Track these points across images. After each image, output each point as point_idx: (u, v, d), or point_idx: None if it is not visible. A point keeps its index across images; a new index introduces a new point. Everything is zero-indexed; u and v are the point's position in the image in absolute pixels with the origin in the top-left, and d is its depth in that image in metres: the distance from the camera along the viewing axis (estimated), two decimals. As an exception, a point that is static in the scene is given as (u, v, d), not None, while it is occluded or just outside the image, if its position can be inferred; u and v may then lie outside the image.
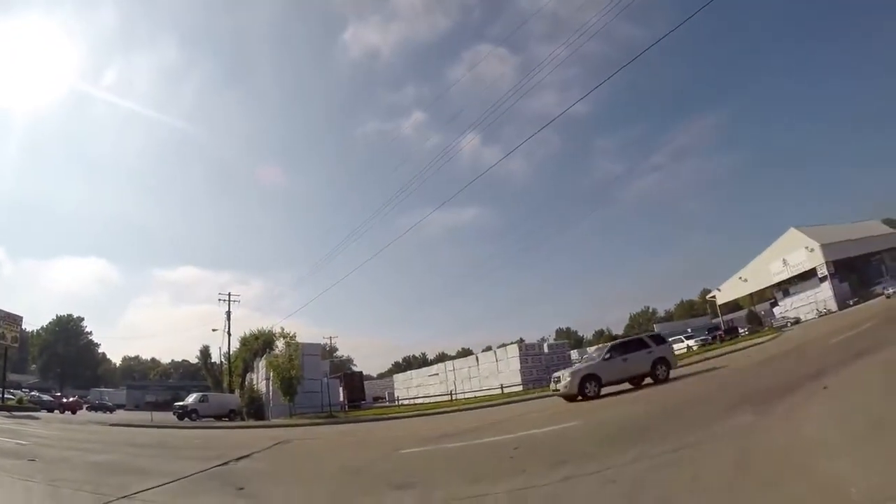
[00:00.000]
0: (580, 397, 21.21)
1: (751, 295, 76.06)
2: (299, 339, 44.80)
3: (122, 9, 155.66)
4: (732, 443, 7.38)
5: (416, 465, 10.58)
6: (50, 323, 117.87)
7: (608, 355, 23.01)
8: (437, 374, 56.76)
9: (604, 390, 21.63)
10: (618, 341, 26.57)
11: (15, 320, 50.53)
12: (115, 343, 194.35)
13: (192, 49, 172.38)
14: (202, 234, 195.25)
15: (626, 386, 22.52)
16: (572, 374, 22.14)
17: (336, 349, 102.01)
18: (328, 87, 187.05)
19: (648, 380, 22.47)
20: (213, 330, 65.49)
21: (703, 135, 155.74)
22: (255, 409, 47.30)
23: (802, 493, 4.95)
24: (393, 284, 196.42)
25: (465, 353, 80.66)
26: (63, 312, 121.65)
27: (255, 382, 52.19)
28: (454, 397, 44.66)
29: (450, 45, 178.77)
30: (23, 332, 63.14)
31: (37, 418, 36.01)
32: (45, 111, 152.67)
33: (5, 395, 46.39)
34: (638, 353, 22.98)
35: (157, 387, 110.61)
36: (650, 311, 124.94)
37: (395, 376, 73.68)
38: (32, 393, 63.86)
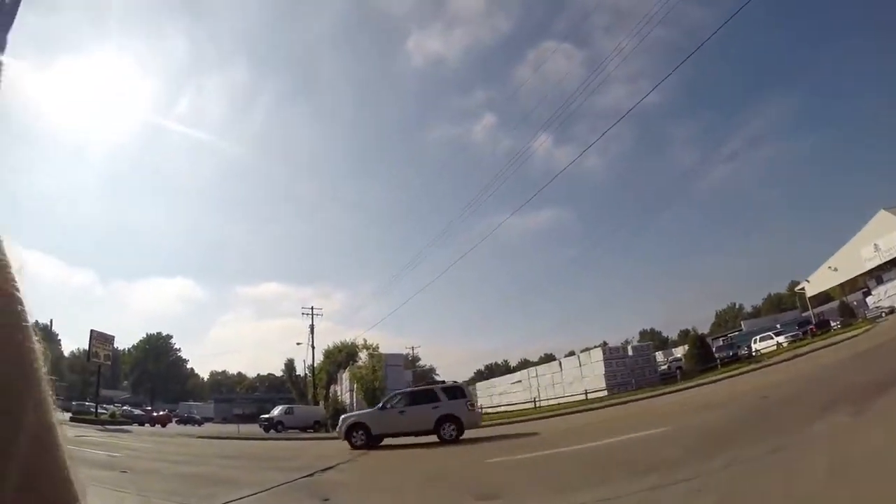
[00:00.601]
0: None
1: (842, 285, 71.99)
2: (382, 350, 45.42)
3: (191, 35, 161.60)
4: (827, 446, 7.03)
5: (500, 474, 10.48)
6: (140, 341, 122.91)
7: (384, 405, 21.98)
8: (520, 381, 56.22)
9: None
10: (407, 389, 24.99)
11: (107, 339, 53.36)
12: (203, 359, 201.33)
13: (259, 68, 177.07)
14: (282, 250, 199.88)
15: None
16: (342, 420, 21.71)
17: (419, 359, 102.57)
18: (396, 96, 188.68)
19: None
20: (298, 343, 67.14)
21: (779, 117, 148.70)
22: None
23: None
24: (473, 291, 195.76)
25: (548, 358, 79.63)
26: (152, 331, 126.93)
27: (339, 394, 52.97)
28: (538, 404, 44.18)
29: (514, 46, 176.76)
30: (115, 350, 66.36)
31: (129, 431, 37.58)
32: (124, 141, 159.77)
33: (99, 410, 48.76)
34: (421, 407, 21.09)
35: (243, 400, 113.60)
36: (737, 307, 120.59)
37: (477, 384, 73.38)
38: (124, 407, 66.48)
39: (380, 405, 22.42)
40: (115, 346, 63.29)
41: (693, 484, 6.45)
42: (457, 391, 22.30)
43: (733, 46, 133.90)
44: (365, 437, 20.78)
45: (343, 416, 22.49)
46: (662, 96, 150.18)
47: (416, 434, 20.85)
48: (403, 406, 21.61)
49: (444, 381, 25.92)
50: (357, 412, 23.99)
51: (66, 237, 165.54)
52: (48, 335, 76.01)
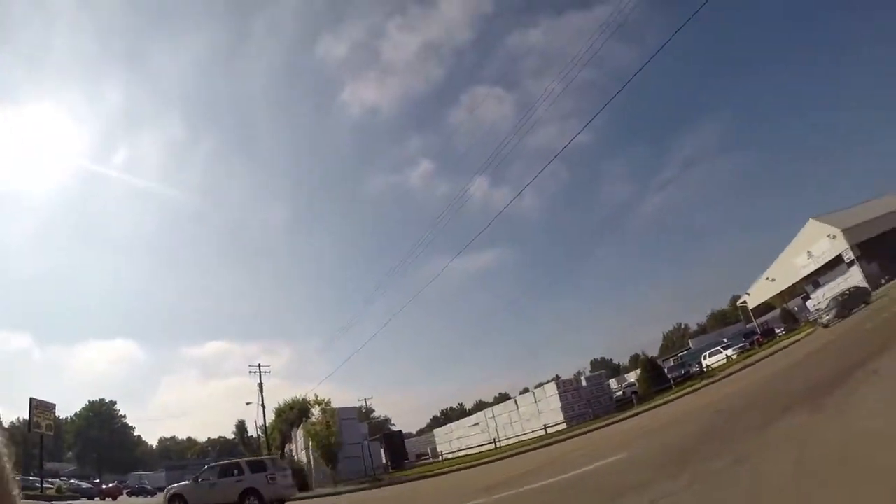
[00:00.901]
0: None
1: (781, 294, 74.52)
2: (334, 405, 44.53)
3: (128, 89, 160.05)
4: (788, 447, 7.08)
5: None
6: (83, 408, 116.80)
7: (197, 478, 22.98)
8: (478, 424, 55.59)
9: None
10: (217, 463, 26.05)
11: (48, 408, 50.31)
12: (150, 424, 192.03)
13: (196, 121, 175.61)
14: (224, 307, 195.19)
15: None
16: (166, 491, 22.72)
17: (373, 410, 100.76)
18: (332, 146, 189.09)
19: None
20: (248, 403, 64.89)
21: (707, 141, 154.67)
22: (297, 480, 46.76)
23: (865, 489, 4.66)
24: (422, 336, 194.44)
25: (503, 398, 79.41)
26: (95, 397, 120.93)
27: (294, 453, 51.71)
28: (498, 445, 43.71)
29: (447, 92, 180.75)
30: (57, 419, 63.14)
31: (78, 507, 35.60)
32: (59, 194, 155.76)
33: (44, 485, 45.84)
34: (227, 480, 22.22)
35: (195, 465, 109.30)
36: (683, 326, 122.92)
37: (435, 431, 72.43)
38: (71, 481, 62.51)
39: (195, 477, 23.40)
40: (57, 414, 60.17)
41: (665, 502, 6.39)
42: (259, 465, 23.23)
43: (658, 78, 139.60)
44: None
45: (167, 488, 23.91)
46: (593, 134, 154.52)
47: None
48: (215, 479, 22.56)
49: (250, 458, 27.38)
50: (178, 484, 24.26)
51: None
52: (-20, 405, 72.08)
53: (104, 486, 60.36)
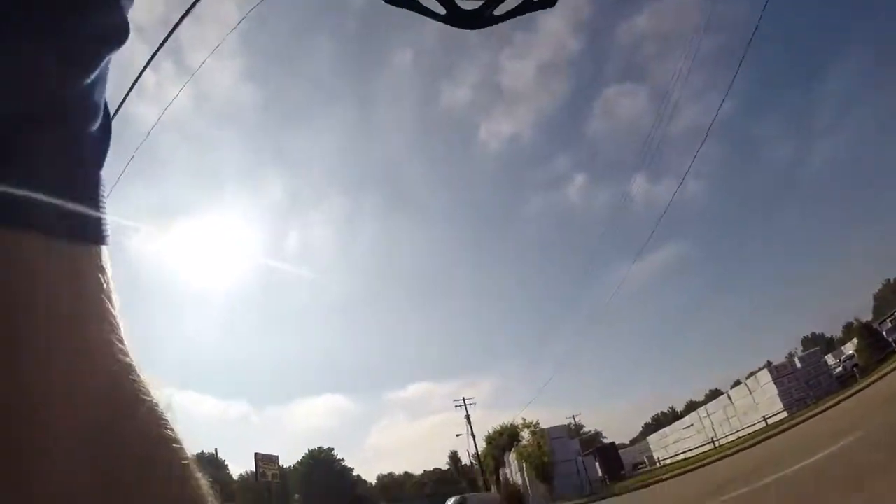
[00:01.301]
0: None
1: None
2: (543, 425, 44.95)
3: (285, 182, 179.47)
4: None
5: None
6: (304, 456, 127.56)
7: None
8: (692, 425, 53.28)
9: None
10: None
11: (272, 459, 55.96)
12: (367, 464, 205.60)
13: (352, 192, 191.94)
14: (419, 351, 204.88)
15: None
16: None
17: (582, 426, 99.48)
18: (482, 182, 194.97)
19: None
20: (457, 435, 67.33)
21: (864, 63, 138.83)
22: (515, 502, 47.09)
23: None
24: (617, 348, 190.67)
25: (715, 394, 75.15)
26: (313, 446, 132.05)
27: (509, 476, 52.29)
28: (717, 444, 41.70)
29: (577, 102, 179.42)
30: (281, 468, 69.06)
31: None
32: (246, 286, 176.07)
33: None
34: None
35: (414, 497, 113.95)
36: (892, 281, 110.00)
37: (648, 438, 70.27)
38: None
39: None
40: (281, 464, 65.89)
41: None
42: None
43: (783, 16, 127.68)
44: None
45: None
46: (735, 101, 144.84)
47: None
48: None
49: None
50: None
51: (213, 376, 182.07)
52: (216, 463, 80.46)
53: None
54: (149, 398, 0.49)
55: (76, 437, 0.42)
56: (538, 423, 44.23)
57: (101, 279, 0.50)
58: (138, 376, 0.41)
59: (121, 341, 0.49)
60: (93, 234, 0.49)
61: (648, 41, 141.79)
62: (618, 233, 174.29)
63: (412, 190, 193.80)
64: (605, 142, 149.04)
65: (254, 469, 55.00)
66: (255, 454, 53.28)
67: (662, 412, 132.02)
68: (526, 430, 44.90)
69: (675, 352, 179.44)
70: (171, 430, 0.51)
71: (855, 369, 40.73)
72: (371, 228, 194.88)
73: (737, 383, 59.16)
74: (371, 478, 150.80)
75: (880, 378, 27.79)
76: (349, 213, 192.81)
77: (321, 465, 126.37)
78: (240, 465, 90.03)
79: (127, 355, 0.41)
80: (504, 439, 53.16)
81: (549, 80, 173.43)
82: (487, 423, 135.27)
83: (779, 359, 60.59)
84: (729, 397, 48.76)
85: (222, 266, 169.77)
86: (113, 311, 0.50)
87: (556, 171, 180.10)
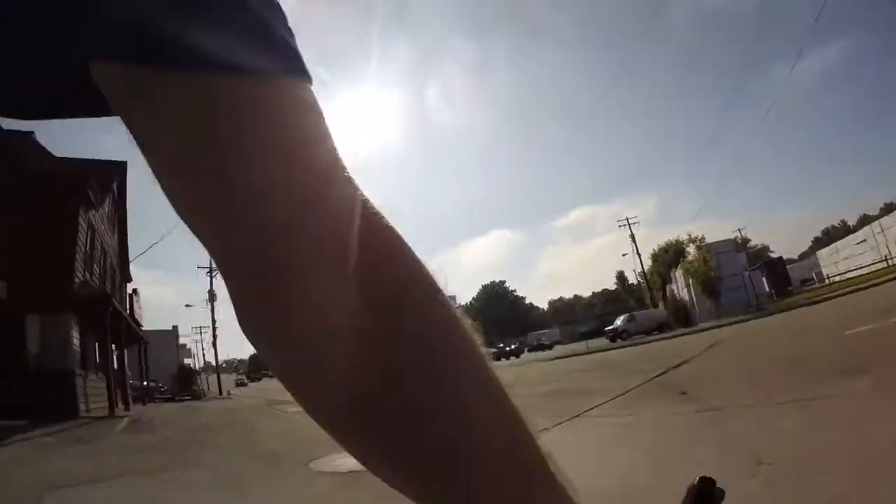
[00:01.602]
0: None
1: None
2: (708, 240, 44.12)
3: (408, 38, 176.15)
4: None
5: (865, 346, 9.64)
6: (479, 292, 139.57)
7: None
8: (865, 241, 49.81)
9: None
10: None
11: (452, 296, 60.46)
12: (539, 292, 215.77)
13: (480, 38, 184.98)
14: (581, 172, 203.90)
15: None
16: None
17: (749, 240, 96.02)
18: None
19: None
20: (623, 255, 67.61)
21: None
22: (682, 318, 47.45)
23: None
24: (786, 154, 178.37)
25: (890, 208, 68.85)
26: (486, 281, 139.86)
27: (675, 292, 52.50)
28: (890, 262, 39.00)
29: None
30: (459, 306, 74.48)
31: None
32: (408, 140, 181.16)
33: None
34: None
35: (586, 318, 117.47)
36: None
37: (818, 253, 66.67)
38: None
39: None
40: (459, 302, 70.91)
41: None
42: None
43: None
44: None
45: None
46: None
47: None
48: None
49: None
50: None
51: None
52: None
53: (507, 348, 70.75)
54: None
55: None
56: (703, 238, 43.47)
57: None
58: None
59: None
60: (303, 70, 0.51)
61: None
62: (775, 27, 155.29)
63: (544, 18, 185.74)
64: None
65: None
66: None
67: (833, 226, 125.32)
68: (691, 245, 44.35)
69: (847, 160, 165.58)
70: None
71: None
72: (508, 65, 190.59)
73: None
74: (543, 303, 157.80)
75: None
76: (482, 57, 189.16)
77: (495, 297, 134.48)
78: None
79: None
80: (670, 256, 52.90)
81: None
82: (653, 241, 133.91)
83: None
84: (907, 211, 44.92)
85: (366, 130, 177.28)
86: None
87: None
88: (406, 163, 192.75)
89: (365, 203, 0.51)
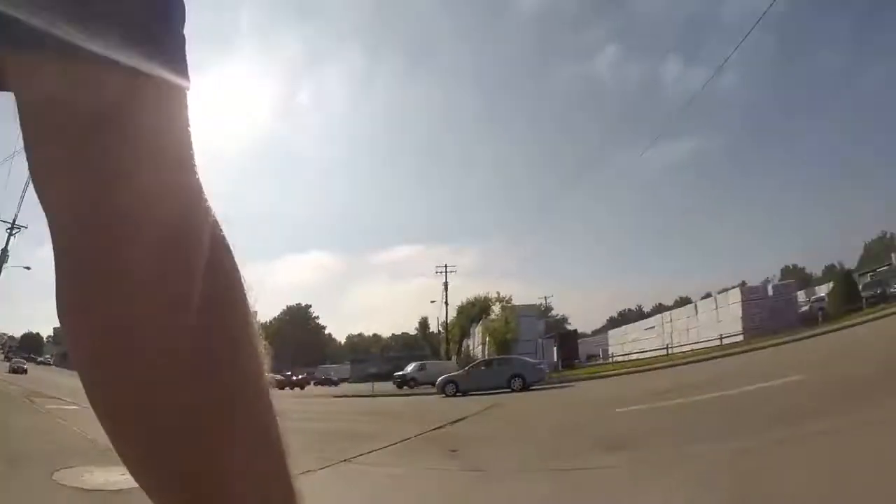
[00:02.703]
0: None
1: None
2: (515, 302, 45.96)
3: (304, 34, 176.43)
4: None
5: (629, 424, 10.33)
6: (281, 312, 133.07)
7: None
8: (654, 328, 54.76)
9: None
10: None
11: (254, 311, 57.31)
12: (341, 324, 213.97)
13: (372, 50, 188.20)
14: (414, 211, 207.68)
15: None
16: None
17: (551, 308, 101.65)
18: (509, 44, 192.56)
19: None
20: (432, 301, 68.52)
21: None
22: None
23: None
24: (608, 232, 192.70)
25: (684, 301, 76.40)
26: (292, 302, 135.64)
27: (471, 348, 53.85)
28: (670, 352, 42.95)
29: None
30: (258, 322, 71.29)
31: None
32: (244, 142, 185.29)
33: None
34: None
35: (378, 359, 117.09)
36: (888, 236, 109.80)
37: (609, 332, 72.16)
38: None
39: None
40: (259, 319, 67.89)
41: (831, 440, 6.09)
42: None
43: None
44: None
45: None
46: None
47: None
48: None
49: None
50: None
51: None
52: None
53: (294, 378, 68.74)
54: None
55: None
56: (511, 299, 45.27)
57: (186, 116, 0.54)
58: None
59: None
60: (180, 69, 0.51)
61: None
62: (639, 115, 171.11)
63: (436, 47, 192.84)
64: (647, 13, 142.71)
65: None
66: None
67: (630, 309, 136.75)
68: (498, 304, 46.00)
69: (660, 252, 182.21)
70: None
71: (821, 312, 41.24)
72: (388, 84, 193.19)
73: (707, 296, 60.36)
74: (342, 337, 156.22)
75: (841, 328, 28.02)
76: (367, 69, 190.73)
77: (296, 321, 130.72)
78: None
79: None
80: (475, 311, 54.53)
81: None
82: (465, 293, 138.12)
83: (755, 281, 61.66)
84: (696, 308, 49.92)
85: (227, 118, 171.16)
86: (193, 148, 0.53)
87: (589, 39, 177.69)
88: (248, 157, 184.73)
89: (205, 205, 0.52)
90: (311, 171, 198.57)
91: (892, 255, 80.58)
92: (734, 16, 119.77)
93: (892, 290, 47.05)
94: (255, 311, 0.64)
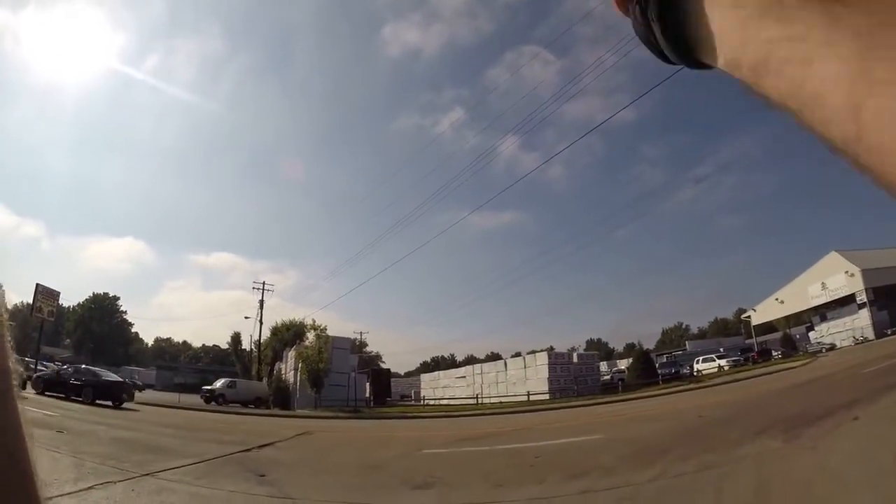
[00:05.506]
0: None
1: (787, 317, 74.07)
2: (330, 333, 45.43)
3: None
4: (755, 469, 7.28)
5: (436, 465, 10.55)
6: (86, 300, 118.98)
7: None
8: (465, 377, 56.25)
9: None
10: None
11: (52, 295, 52.06)
12: (149, 323, 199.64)
13: (233, 38, 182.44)
14: (239, 221, 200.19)
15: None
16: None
17: (366, 345, 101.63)
18: (367, 81, 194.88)
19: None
20: (246, 317, 66.97)
21: (752, 149, 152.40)
22: (281, 399, 47.39)
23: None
24: (426, 283, 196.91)
25: (494, 357, 79.83)
26: (99, 290, 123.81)
27: (283, 372, 52.67)
28: (480, 401, 44.31)
29: (492, 47, 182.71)
30: (59, 306, 64.65)
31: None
32: (91, 92, 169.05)
33: (38, 367, 47.40)
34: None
35: (186, 369, 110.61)
36: (683, 326, 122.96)
37: (422, 376, 73.31)
38: (64, 367, 65.23)
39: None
40: (61, 302, 61.80)
41: (622, 492, 6.63)
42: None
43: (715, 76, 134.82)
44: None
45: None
46: (638, 113, 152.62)
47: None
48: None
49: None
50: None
51: (16, 184, 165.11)
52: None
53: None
54: None
55: None
56: (326, 329, 44.72)
57: None
58: None
59: None
60: None
61: (592, 22, 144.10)
62: (472, 180, 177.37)
63: (294, 57, 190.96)
64: (499, 94, 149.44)
65: (31, 301, 51.48)
66: (37, 285, 49.42)
67: (443, 356, 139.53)
68: (313, 331, 45.27)
69: (478, 308, 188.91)
70: None
71: (620, 382, 45.29)
72: (237, 79, 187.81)
73: (517, 355, 63.42)
74: (149, 338, 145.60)
75: (637, 398, 30.31)
76: (223, 57, 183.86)
77: (102, 312, 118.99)
78: (16, 294, 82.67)
79: None
80: (289, 335, 53.54)
81: (478, 13, 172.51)
82: (280, 314, 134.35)
83: (562, 348, 65.27)
84: (505, 364, 51.86)
85: (69, 65, 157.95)
86: None
87: (440, 99, 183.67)
88: (78, 111, 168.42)
89: None
90: (141, 148, 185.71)
91: (686, 342, 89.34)
92: (575, 118, 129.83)
93: (684, 370, 52.89)
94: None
